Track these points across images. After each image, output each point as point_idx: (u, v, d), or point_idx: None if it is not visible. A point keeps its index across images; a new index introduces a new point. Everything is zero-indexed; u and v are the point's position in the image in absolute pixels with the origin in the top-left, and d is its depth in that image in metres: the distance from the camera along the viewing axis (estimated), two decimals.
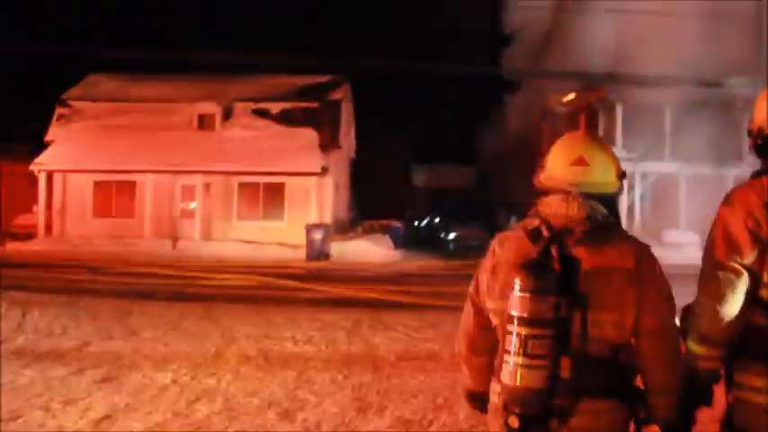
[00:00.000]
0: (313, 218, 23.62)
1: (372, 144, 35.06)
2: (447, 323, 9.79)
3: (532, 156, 34.84)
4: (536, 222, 2.22)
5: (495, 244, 2.35)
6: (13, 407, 5.34)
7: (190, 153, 24.60)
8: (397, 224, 27.21)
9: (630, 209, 27.42)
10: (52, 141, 26.02)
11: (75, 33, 34.94)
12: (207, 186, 25.21)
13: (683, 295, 2.40)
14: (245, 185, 25.26)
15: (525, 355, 2.03)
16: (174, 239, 23.95)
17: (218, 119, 26.08)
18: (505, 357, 2.07)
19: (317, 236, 21.54)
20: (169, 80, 27.15)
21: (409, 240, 27.35)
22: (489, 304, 2.30)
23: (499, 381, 2.13)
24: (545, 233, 2.17)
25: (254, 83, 26.83)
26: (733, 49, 23.41)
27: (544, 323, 2.03)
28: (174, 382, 6.16)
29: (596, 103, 28.97)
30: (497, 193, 40.31)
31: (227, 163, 24.56)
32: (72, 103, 26.80)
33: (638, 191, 27.63)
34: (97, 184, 25.55)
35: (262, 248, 23.00)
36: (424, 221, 42.39)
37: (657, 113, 27.22)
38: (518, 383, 2.04)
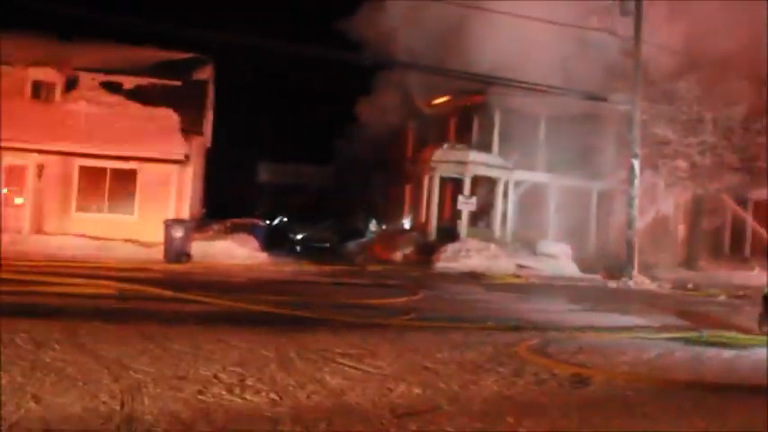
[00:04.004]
0: (170, 212, 20.68)
1: (224, 134, 32.57)
2: (386, 348, 7.87)
3: (396, 159, 33.63)
4: None
5: None
6: None
7: (20, 127, 20.77)
8: (261, 224, 25.13)
9: (504, 217, 27.01)
10: None
11: None
12: (40, 168, 21.43)
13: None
14: (87, 170, 21.75)
15: None
16: None
17: (58, 89, 22.31)
18: None
19: (178, 234, 18.76)
20: None
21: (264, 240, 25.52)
22: None
23: None
24: None
25: (104, 50, 23.25)
26: (614, 67, 23.56)
27: None
28: None
29: (472, 108, 28.22)
30: (357, 194, 38.78)
31: (66, 142, 21.04)
32: None
33: (511, 199, 27.23)
34: None
35: (108, 246, 19.92)
36: (275, 221, 40.08)
37: (535, 123, 27.04)
38: None
